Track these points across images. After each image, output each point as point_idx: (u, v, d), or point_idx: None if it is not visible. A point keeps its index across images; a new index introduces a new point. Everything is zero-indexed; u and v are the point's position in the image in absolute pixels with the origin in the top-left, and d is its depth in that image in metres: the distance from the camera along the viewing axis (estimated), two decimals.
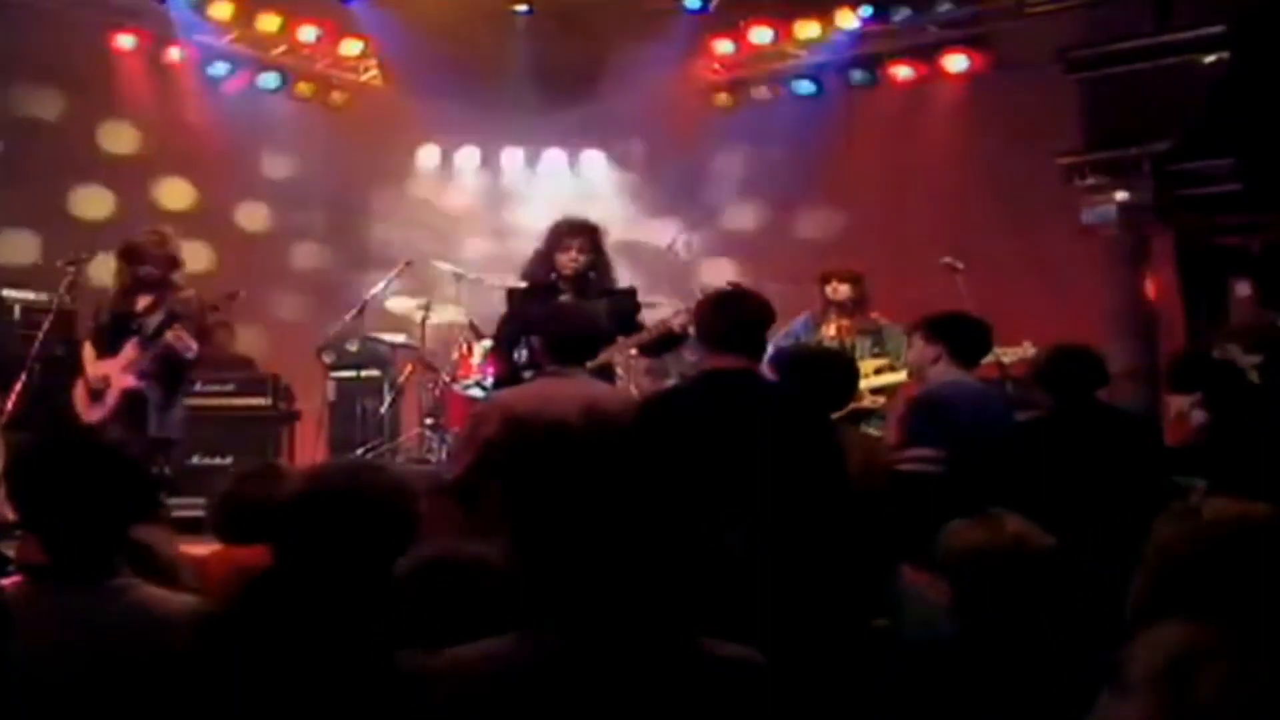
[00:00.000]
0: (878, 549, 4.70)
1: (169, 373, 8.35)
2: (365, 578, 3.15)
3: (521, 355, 7.42)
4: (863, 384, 8.33)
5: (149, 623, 3.27)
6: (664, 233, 11.04)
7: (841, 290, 8.97)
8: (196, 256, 12.33)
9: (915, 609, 4.28)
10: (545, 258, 7.75)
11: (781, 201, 13.13)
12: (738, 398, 4.86)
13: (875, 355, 8.74)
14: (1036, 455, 5.67)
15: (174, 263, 8.46)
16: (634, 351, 7.85)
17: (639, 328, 7.68)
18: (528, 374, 7.02)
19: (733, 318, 5.10)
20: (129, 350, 8.30)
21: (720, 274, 12.41)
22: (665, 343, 7.71)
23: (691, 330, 6.89)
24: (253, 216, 13.22)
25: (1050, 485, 5.41)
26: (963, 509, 4.10)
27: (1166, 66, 10.23)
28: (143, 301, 8.40)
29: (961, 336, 6.40)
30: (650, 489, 2.82)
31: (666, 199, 13.36)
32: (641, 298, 8.09)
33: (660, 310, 8.14)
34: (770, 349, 5.75)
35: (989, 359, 7.45)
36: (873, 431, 8.05)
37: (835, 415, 8.03)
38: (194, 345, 8.26)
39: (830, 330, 8.92)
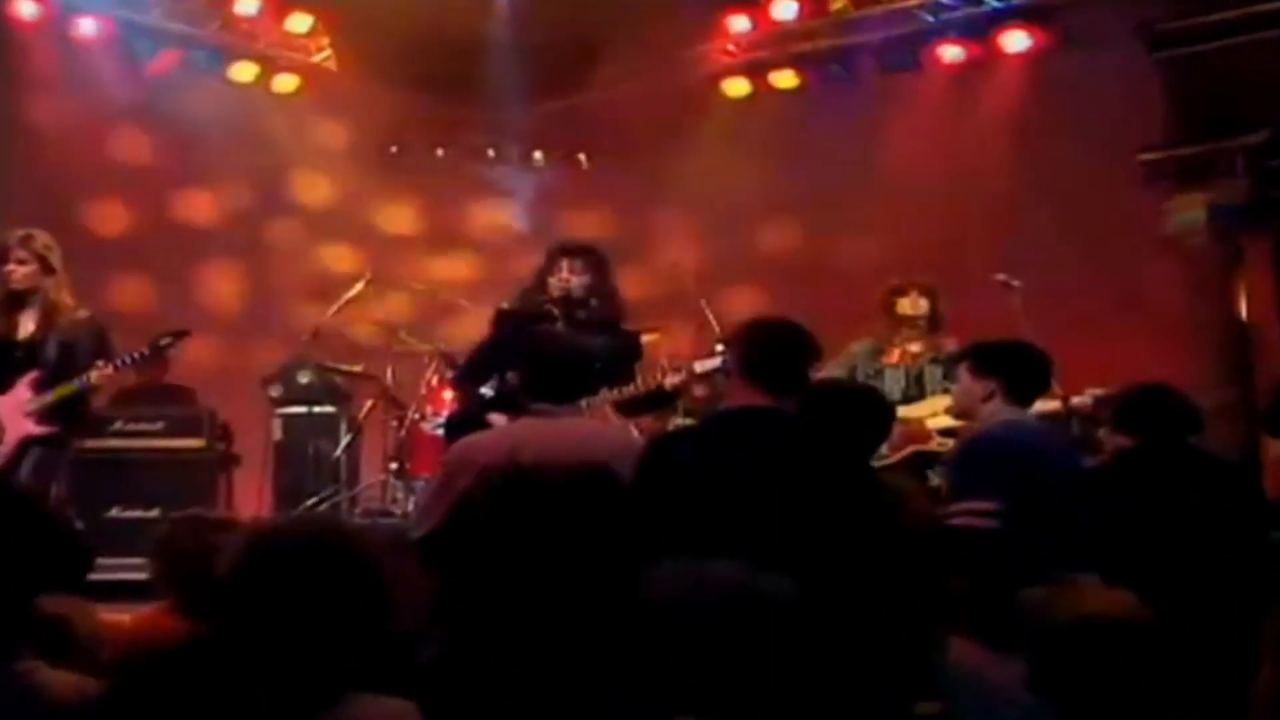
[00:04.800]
0: (923, 618, 4.67)
1: (69, 414, 8.29)
2: (317, 655, 3.11)
3: (492, 388, 7.41)
4: (931, 423, 8.31)
5: (44, 715, 3.22)
6: (666, 243, 11.02)
7: (922, 305, 8.89)
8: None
9: (972, 691, 4.25)
10: (539, 281, 7.76)
11: (806, 207, 13.11)
12: (760, 441, 4.84)
13: (946, 390, 8.59)
14: (1111, 508, 5.65)
15: (47, 267, 8.21)
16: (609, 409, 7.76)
17: (634, 376, 7.65)
18: (496, 411, 7.02)
19: (768, 349, 5.09)
20: (23, 389, 8.14)
21: (733, 292, 12.41)
22: (652, 402, 7.69)
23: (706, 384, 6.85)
24: (182, 221, 13.17)
25: (1127, 543, 5.38)
26: (1024, 570, 4.06)
27: (1266, 42, 10.20)
28: (27, 324, 8.26)
29: (1018, 369, 6.38)
30: (639, 554, 2.82)
31: (670, 204, 13.35)
32: (641, 321, 8.08)
33: (657, 339, 8.14)
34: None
35: (1051, 396, 7.41)
36: (937, 480, 7.95)
37: (892, 461, 8.09)
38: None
39: (894, 356, 8.83)
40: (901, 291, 8.90)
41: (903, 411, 8.31)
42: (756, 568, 3.58)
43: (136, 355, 8.49)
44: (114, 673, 3.33)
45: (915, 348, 8.82)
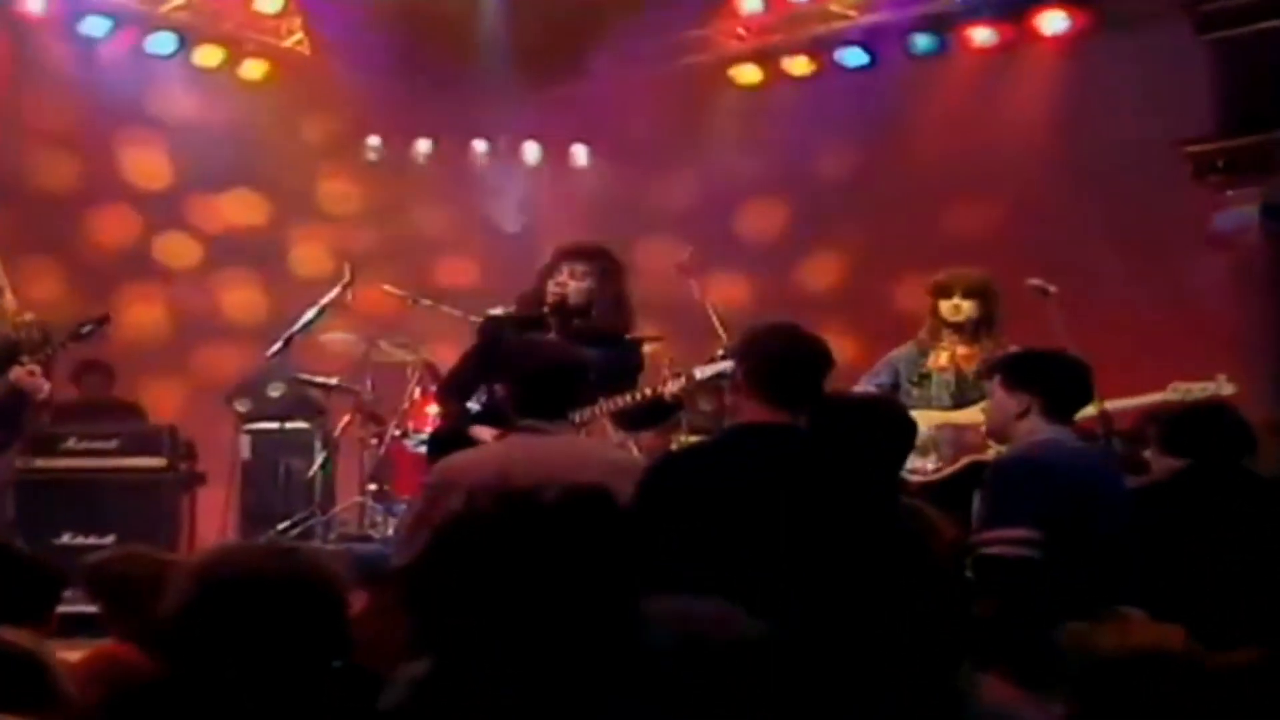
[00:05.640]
0: (951, 654, 4.64)
1: (5, 421, 8.35)
2: (278, 695, 3.09)
3: (479, 402, 7.37)
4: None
5: None
6: (671, 246, 10.96)
7: (965, 308, 8.50)
8: (49, 272, 12.32)
9: None
10: (537, 288, 7.66)
11: (822, 205, 13.09)
12: (772, 462, 4.81)
13: None
14: (1158, 533, 5.62)
15: None
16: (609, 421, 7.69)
17: (635, 390, 7.57)
18: (483, 428, 6.98)
19: (780, 359, 5.05)
20: None
21: (743, 300, 12.39)
22: (652, 413, 7.62)
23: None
24: (138, 219, 13.17)
25: (1175, 573, 5.36)
26: (1065, 604, 4.03)
27: None
28: None
29: (1055, 382, 6.31)
30: (643, 584, 2.80)
31: (675, 202, 13.33)
32: (642, 329, 8.02)
33: (660, 348, 8.08)
34: None
35: (1088, 410, 7.33)
36: None
37: (946, 474, 8.00)
38: (46, 385, 8.25)
39: (941, 359, 8.50)
40: (945, 292, 8.56)
41: (954, 416, 8.21)
42: (743, 611, 3.56)
43: (58, 344, 8.52)
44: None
45: (965, 350, 8.48)
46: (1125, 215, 11.31)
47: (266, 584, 3.15)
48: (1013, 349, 8.09)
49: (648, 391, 7.37)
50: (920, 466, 7.95)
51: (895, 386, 8.40)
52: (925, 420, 7.79)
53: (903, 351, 8.62)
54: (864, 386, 8.32)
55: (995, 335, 8.51)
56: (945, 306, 8.52)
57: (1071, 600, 4.74)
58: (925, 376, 8.43)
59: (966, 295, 8.49)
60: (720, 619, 3.51)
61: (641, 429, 8.26)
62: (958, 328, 8.51)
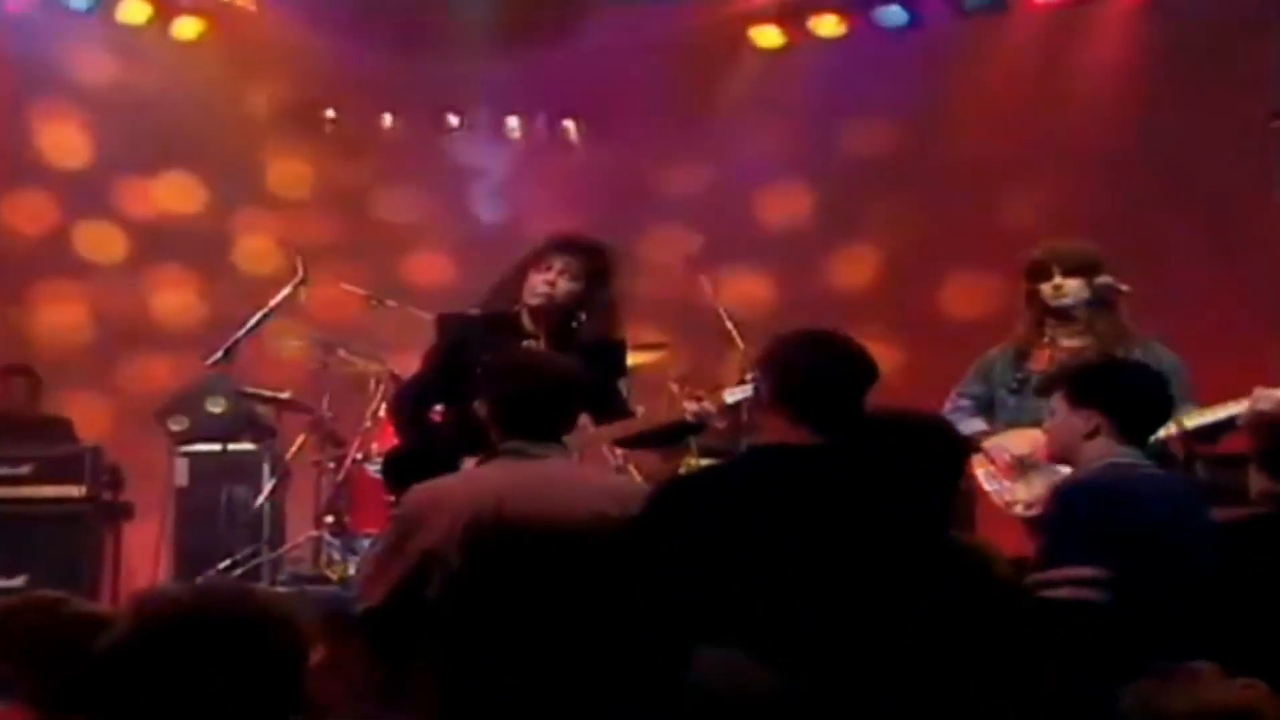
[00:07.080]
0: (1007, 711, 4.68)
1: None
2: None
3: (440, 415, 7.38)
4: None
5: None
6: (678, 237, 11.00)
7: (1069, 288, 7.99)
8: None
9: None
10: (515, 279, 7.60)
11: (855, 190, 13.11)
12: (799, 486, 4.83)
13: None
14: (1249, 573, 5.63)
15: None
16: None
17: (618, 400, 7.54)
18: (452, 445, 6.99)
19: (812, 372, 5.07)
20: None
21: (762, 300, 12.41)
22: (667, 437, 7.61)
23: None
24: (50, 205, 13.21)
25: (1262, 620, 5.37)
26: (1140, 655, 4.04)
27: None
28: None
29: (1127, 398, 6.31)
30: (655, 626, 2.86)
31: (681, 186, 13.34)
32: (645, 338, 8.03)
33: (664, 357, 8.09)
34: None
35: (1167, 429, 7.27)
36: None
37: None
38: None
39: (1043, 360, 7.96)
40: (1042, 272, 8.04)
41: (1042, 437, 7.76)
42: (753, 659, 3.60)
43: None
44: None
45: (1073, 343, 7.98)
46: (1207, 198, 11.35)
47: (216, 629, 3.16)
48: (1136, 341, 7.89)
49: (661, 414, 7.36)
50: (1021, 498, 7.74)
51: (991, 399, 8.13)
52: (1026, 441, 7.69)
53: (996, 353, 8.21)
54: (953, 403, 8.03)
55: (1115, 322, 8.00)
56: (1045, 289, 8.02)
57: (1145, 650, 4.75)
58: (1024, 382, 7.95)
59: (1069, 273, 7.99)
60: (724, 666, 3.55)
61: (649, 449, 8.24)
62: (1064, 314, 8.03)
